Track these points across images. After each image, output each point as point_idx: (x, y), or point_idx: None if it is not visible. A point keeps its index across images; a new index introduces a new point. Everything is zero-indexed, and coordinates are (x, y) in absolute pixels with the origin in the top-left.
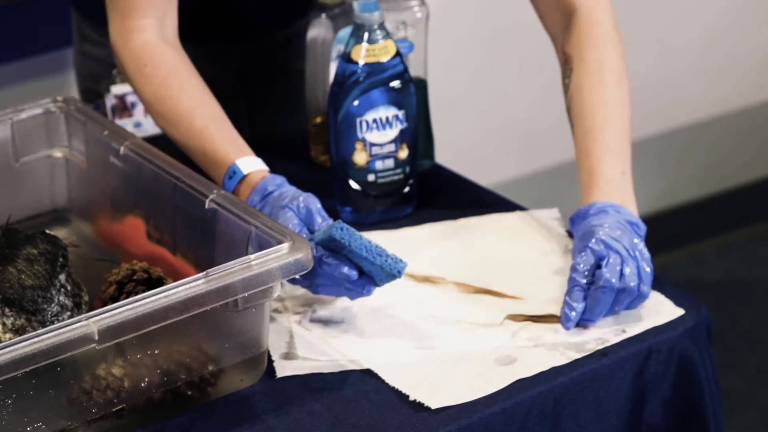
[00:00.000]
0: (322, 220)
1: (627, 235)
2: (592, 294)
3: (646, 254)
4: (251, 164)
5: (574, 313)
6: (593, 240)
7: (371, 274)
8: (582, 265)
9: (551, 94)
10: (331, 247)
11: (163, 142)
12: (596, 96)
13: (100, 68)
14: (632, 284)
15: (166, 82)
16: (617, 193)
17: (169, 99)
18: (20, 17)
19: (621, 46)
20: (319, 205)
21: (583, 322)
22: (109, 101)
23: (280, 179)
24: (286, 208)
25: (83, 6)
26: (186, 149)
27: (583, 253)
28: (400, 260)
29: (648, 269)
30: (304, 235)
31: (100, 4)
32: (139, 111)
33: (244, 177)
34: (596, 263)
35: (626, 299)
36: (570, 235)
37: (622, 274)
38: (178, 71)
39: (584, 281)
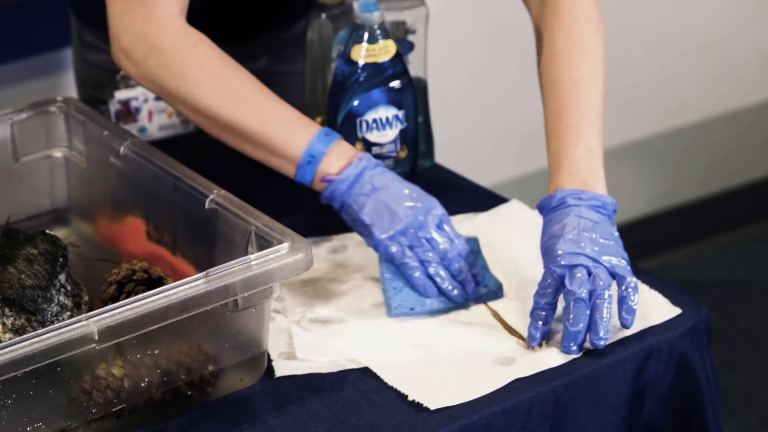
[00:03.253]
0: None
1: (588, 237)
2: (567, 310)
3: (613, 246)
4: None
5: (538, 334)
6: (552, 262)
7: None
8: (544, 290)
9: None
10: None
11: (164, 144)
12: (563, 74)
13: (102, 75)
14: (601, 283)
15: (223, 60)
16: (581, 172)
17: (230, 74)
18: (20, 17)
19: (596, 20)
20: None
21: (592, 344)
22: (113, 107)
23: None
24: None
25: (84, 13)
26: (255, 121)
27: (546, 279)
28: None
29: (623, 261)
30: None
31: (101, 10)
32: (143, 116)
33: (340, 139)
34: (560, 283)
35: (607, 298)
36: None
37: (590, 280)
38: (226, 55)
39: (545, 301)
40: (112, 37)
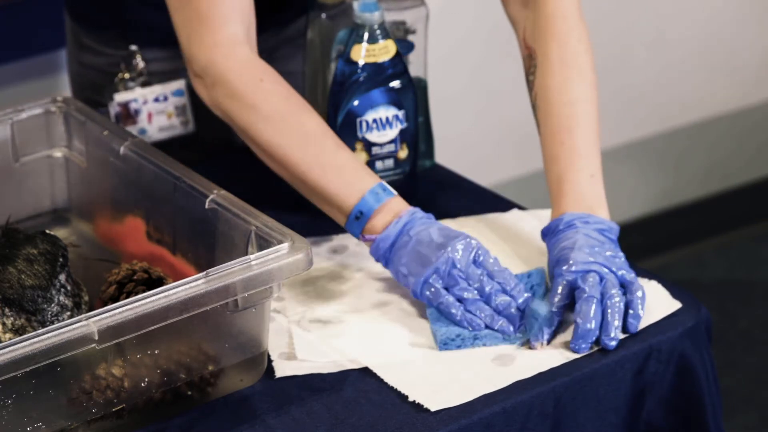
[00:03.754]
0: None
1: (599, 251)
2: (578, 309)
3: (622, 262)
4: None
5: (545, 332)
6: (565, 268)
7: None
8: (558, 298)
9: None
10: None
11: (167, 144)
12: (562, 96)
13: (100, 77)
14: (613, 289)
15: (289, 98)
16: (586, 198)
17: (294, 114)
18: (20, 17)
19: (586, 39)
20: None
21: (603, 344)
22: (113, 109)
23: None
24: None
25: (80, 14)
26: (313, 167)
27: (557, 286)
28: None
29: (632, 274)
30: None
31: (98, 11)
32: (143, 118)
33: (392, 197)
34: (571, 289)
35: (619, 299)
36: None
37: (602, 284)
38: (291, 88)
39: (556, 306)
40: (187, 59)
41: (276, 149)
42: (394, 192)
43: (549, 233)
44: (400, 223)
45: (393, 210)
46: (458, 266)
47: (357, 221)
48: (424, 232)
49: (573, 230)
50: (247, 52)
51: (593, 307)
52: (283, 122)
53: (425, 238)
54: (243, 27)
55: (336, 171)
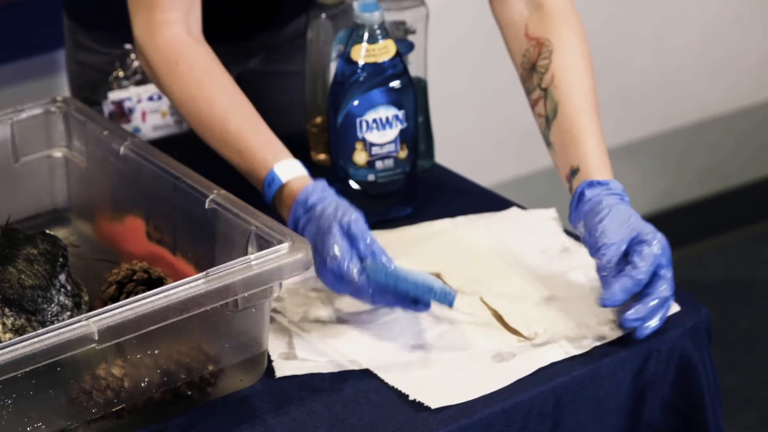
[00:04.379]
0: (365, 246)
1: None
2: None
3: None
4: (290, 170)
5: (616, 284)
6: (655, 245)
7: (423, 299)
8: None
9: None
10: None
11: (162, 143)
12: (584, 83)
13: (97, 76)
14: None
15: (199, 81)
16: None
17: (202, 99)
18: (19, 17)
19: (585, 32)
20: (363, 227)
21: (640, 332)
22: (107, 107)
23: (320, 187)
24: (331, 234)
25: (77, 13)
26: (221, 152)
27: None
28: (449, 292)
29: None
30: (355, 262)
31: (94, 11)
32: (137, 116)
33: (284, 185)
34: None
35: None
36: (568, 233)
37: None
38: (211, 70)
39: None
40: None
41: (191, 127)
42: (285, 177)
43: (592, 188)
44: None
45: (285, 201)
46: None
47: (273, 202)
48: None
49: (622, 202)
50: (174, 34)
51: (650, 258)
52: (191, 109)
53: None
54: (179, 10)
55: (238, 159)
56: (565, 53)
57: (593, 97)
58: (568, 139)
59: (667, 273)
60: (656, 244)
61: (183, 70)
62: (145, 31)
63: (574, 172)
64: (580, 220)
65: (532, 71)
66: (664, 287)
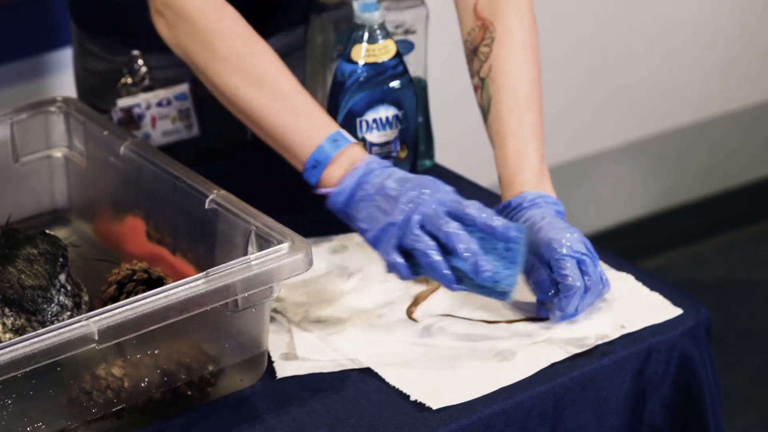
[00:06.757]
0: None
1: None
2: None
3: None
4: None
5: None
6: (564, 249)
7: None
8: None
9: (551, 93)
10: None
11: (168, 150)
12: (522, 74)
13: (103, 83)
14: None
15: (245, 38)
16: (544, 179)
17: (251, 56)
18: (20, 17)
19: (535, 22)
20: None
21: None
22: (116, 114)
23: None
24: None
25: (84, 20)
26: (268, 110)
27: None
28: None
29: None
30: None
31: (101, 18)
32: (146, 123)
33: (352, 144)
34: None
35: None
36: None
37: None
38: (252, 31)
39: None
40: None
41: (232, 91)
42: (352, 139)
43: (512, 209)
44: (354, 176)
45: (350, 159)
46: (416, 221)
47: (314, 170)
48: (383, 186)
49: (539, 208)
50: None
51: (574, 268)
52: (238, 64)
53: (381, 190)
54: None
55: (292, 116)
56: (506, 43)
57: (531, 89)
58: (497, 142)
59: (589, 266)
60: (565, 245)
61: (229, 25)
62: None
63: (499, 179)
64: None
65: (474, 55)
66: (571, 278)
